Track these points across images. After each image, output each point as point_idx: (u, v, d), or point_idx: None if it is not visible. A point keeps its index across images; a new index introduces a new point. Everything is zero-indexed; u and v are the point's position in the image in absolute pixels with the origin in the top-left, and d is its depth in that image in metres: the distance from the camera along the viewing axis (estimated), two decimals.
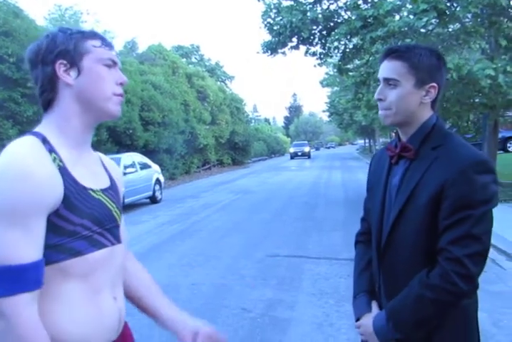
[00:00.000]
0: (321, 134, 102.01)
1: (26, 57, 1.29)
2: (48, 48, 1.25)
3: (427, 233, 1.45)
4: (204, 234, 8.66)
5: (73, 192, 1.19)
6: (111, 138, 17.30)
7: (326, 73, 37.49)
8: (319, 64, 13.00)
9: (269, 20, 11.64)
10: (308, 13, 11.04)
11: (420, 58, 1.51)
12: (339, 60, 12.42)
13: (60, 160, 1.20)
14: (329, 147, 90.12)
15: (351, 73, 12.64)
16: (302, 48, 12.19)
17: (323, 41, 11.98)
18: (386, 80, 1.54)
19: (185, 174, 25.50)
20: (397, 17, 9.93)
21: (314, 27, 11.27)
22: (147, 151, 19.14)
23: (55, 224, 1.16)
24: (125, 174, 12.92)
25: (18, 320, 1.09)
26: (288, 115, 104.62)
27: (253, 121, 57.16)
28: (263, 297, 4.92)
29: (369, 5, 10.40)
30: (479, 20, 9.45)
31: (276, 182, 19.25)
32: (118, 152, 16.08)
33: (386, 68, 1.54)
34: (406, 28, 9.01)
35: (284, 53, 12.17)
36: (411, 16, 8.68)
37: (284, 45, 11.75)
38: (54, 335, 1.15)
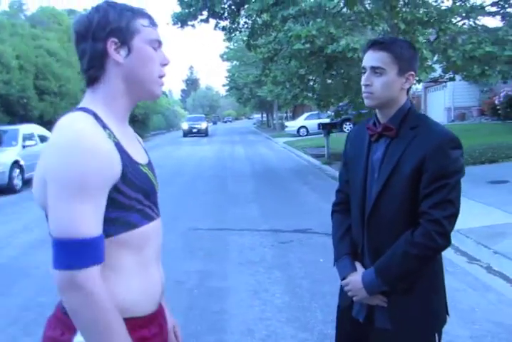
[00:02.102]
0: (219, 108, 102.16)
1: (74, 28, 1.28)
2: (100, 24, 1.24)
3: (409, 200, 1.70)
4: None
5: (129, 166, 1.23)
6: (3, 107, 16.17)
7: (227, 47, 37.46)
8: (227, 38, 13.04)
9: None
10: None
11: (401, 50, 1.74)
12: (248, 37, 12.55)
13: (115, 136, 1.23)
14: (226, 121, 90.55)
15: (259, 50, 12.84)
16: (212, 21, 12.15)
17: (232, 16, 12.03)
18: (373, 69, 1.74)
19: None
20: None
21: (225, 1, 11.27)
22: (43, 122, 18.10)
23: (114, 198, 1.19)
24: (24, 147, 12.27)
25: (95, 291, 1.12)
26: (185, 88, 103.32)
27: None
28: (194, 269, 5.07)
29: None
30: (380, 3, 10.02)
31: (180, 156, 19.20)
32: (10, 123, 15.11)
33: (373, 58, 1.74)
34: (316, 8, 9.37)
35: (193, 25, 12.06)
36: None
37: (195, 17, 11.65)
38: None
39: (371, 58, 1.75)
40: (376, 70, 1.73)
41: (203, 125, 37.70)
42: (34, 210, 8.23)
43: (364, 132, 1.89)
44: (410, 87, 1.81)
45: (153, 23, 1.32)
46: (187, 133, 36.84)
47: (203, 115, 45.31)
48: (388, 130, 1.77)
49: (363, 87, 1.78)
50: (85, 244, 1.13)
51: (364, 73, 1.77)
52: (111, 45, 1.25)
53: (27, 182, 11.81)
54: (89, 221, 1.14)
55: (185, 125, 38.12)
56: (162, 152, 21.86)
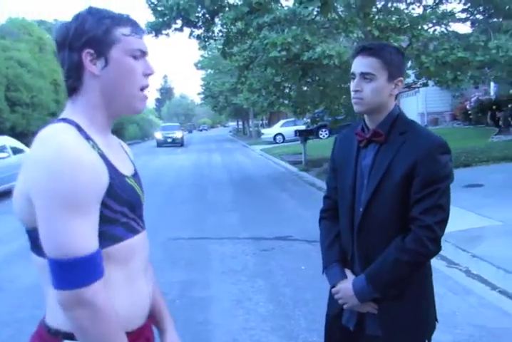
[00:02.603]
0: (194, 116, 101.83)
1: (54, 36, 1.24)
2: (76, 33, 1.19)
3: (400, 205, 1.69)
4: None
5: (115, 179, 1.19)
6: None
7: (202, 56, 37.42)
8: (202, 47, 13.02)
9: (153, 0, 11.40)
10: None
11: (391, 55, 1.72)
12: (223, 45, 12.55)
13: (99, 148, 1.19)
14: (201, 130, 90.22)
15: (234, 57, 12.85)
16: (186, 30, 12.11)
17: (207, 24, 12.02)
18: (363, 74, 1.72)
19: None
20: (283, 3, 10.31)
21: (199, 9, 11.25)
22: (14, 134, 17.84)
23: (99, 212, 1.16)
24: None
25: (103, 306, 1.11)
26: (159, 97, 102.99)
27: None
28: (175, 279, 5.00)
29: None
30: (354, 11, 10.15)
31: (157, 166, 19.03)
32: None
33: (362, 64, 1.72)
34: (291, 16, 9.43)
35: (167, 34, 11.99)
36: (296, 4, 9.05)
37: (169, 26, 11.59)
38: None
39: (360, 64, 1.73)
40: (366, 76, 1.71)
41: (178, 135, 35.05)
42: (7, 223, 8.08)
43: (352, 138, 1.87)
44: (398, 93, 1.81)
45: (137, 31, 1.25)
46: (162, 143, 34.32)
47: (178, 124, 41.93)
48: (378, 136, 1.76)
49: (352, 93, 1.76)
50: (86, 260, 1.10)
51: (353, 78, 1.75)
52: (86, 57, 1.20)
53: (0, 195, 11.55)
54: (86, 237, 1.11)
55: (158, 135, 35.39)
56: (138, 161, 21.25)
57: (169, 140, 34.26)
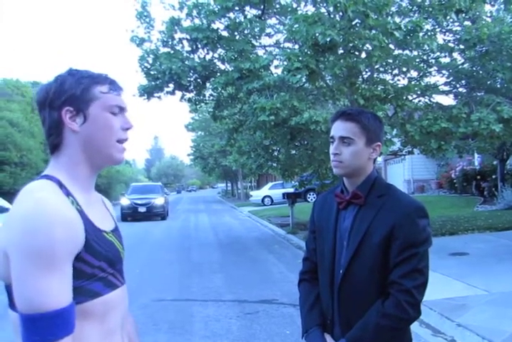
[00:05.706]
0: (183, 177, 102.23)
1: (35, 97, 1.30)
2: (55, 93, 1.26)
3: (380, 268, 1.70)
4: None
5: (92, 234, 1.21)
6: None
7: (192, 118, 38.22)
8: (193, 110, 13.36)
9: (146, 65, 11.82)
10: (186, 62, 11.43)
11: (369, 121, 1.79)
12: (214, 108, 12.90)
13: (78, 204, 1.22)
14: (190, 190, 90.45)
15: (224, 120, 13.17)
16: (178, 93, 12.47)
17: (198, 88, 12.40)
18: (342, 138, 1.78)
19: None
20: (272, 71, 10.73)
21: (191, 74, 11.66)
22: (1, 193, 17.75)
23: (76, 267, 1.16)
24: None
25: None
26: (149, 157, 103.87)
27: None
28: None
29: (244, 58, 11.01)
30: (341, 80, 10.58)
31: (144, 226, 18.84)
32: None
33: (341, 128, 1.79)
34: (279, 83, 9.81)
35: (159, 97, 12.33)
36: (285, 72, 9.43)
37: (161, 89, 11.94)
38: None
39: (339, 128, 1.79)
40: (344, 139, 1.77)
41: (159, 200, 21.95)
42: None
43: (331, 200, 1.90)
44: (376, 157, 1.87)
45: (114, 89, 1.32)
46: (129, 215, 21.47)
47: (159, 184, 27.66)
48: (357, 198, 1.79)
49: (332, 156, 1.80)
50: (56, 316, 1.09)
51: (333, 142, 1.81)
52: (66, 114, 1.26)
53: None
54: (58, 292, 1.10)
55: (124, 201, 21.84)
56: (124, 221, 21.34)
57: (141, 210, 21.46)
